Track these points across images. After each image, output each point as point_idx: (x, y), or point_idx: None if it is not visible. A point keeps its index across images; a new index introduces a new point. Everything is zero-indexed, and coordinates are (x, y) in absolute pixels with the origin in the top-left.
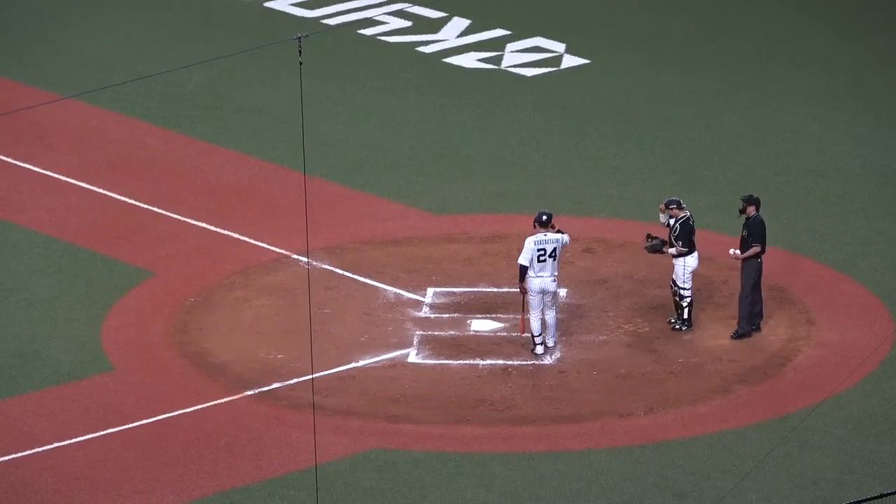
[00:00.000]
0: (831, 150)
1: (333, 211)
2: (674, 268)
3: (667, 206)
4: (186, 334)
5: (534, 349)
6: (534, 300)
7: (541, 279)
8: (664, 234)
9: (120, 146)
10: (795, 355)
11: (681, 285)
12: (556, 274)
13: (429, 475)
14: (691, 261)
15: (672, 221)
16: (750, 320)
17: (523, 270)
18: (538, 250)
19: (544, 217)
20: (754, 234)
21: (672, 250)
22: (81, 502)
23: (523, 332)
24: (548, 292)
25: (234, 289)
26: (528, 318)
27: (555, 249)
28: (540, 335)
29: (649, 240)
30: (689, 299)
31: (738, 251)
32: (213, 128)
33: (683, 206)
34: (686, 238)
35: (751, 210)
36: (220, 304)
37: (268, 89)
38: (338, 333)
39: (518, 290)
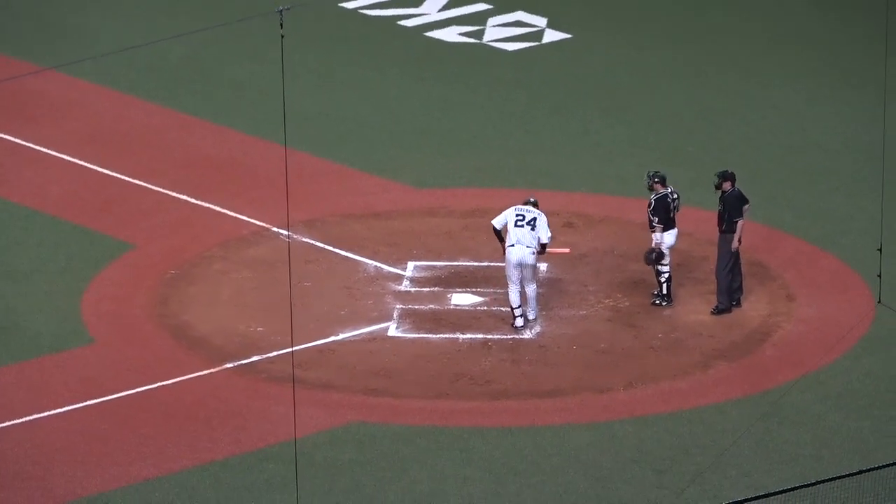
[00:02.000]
0: (812, 127)
1: (314, 184)
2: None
3: (650, 177)
4: (166, 307)
5: (513, 322)
6: (512, 274)
7: (518, 249)
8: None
9: (101, 118)
10: (775, 331)
11: (665, 239)
12: (535, 247)
13: (408, 449)
14: (669, 238)
15: (652, 196)
16: (729, 295)
17: (496, 233)
18: (517, 215)
19: (531, 199)
20: (731, 208)
21: (656, 235)
22: (60, 474)
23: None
24: (526, 265)
25: (215, 262)
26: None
27: (534, 220)
28: (519, 307)
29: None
30: (667, 275)
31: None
32: (195, 100)
33: (667, 184)
34: (662, 214)
35: (726, 186)
36: (201, 277)
37: (249, 62)
38: (318, 307)
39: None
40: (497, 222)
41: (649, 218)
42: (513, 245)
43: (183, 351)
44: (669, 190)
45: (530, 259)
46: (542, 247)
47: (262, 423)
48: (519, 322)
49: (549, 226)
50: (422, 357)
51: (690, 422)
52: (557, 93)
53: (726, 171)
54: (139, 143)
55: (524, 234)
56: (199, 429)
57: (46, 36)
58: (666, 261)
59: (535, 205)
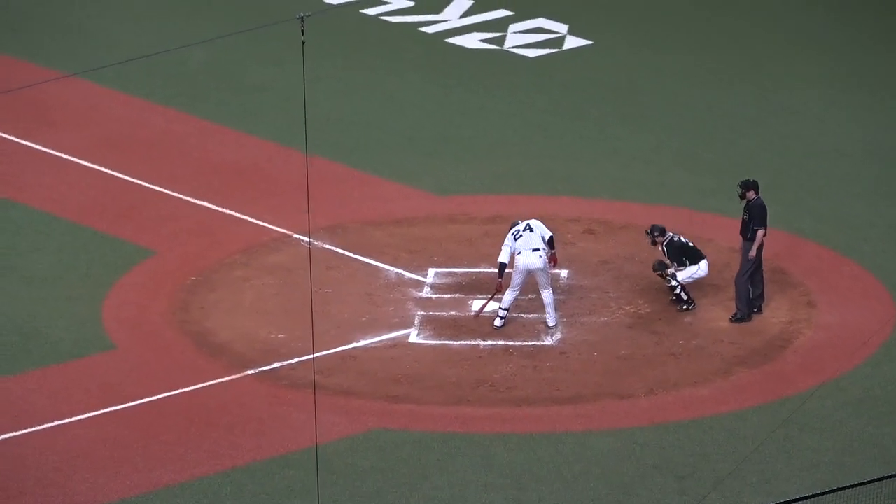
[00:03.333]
0: (833, 133)
1: (335, 191)
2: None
3: (651, 234)
4: (188, 313)
5: (494, 320)
6: (517, 278)
7: (525, 255)
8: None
9: (122, 124)
10: (796, 338)
11: (679, 278)
12: (543, 248)
13: (429, 455)
14: (700, 272)
15: (661, 248)
16: (749, 303)
17: (501, 267)
18: (513, 233)
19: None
20: (756, 217)
21: (671, 271)
22: (82, 480)
23: (477, 315)
24: (535, 270)
25: (236, 268)
26: (494, 301)
27: (528, 224)
28: (506, 310)
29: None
30: (674, 282)
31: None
32: (215, 107)
33: (667, 232)
34: (682, 253)
35: (751, 194)
36: (222, 284)
37: (270, 68)
38: (339, 313)
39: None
40: (504, 256)
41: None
42: (520, 253)
43: (204, 357)
44: (671, 235)
45: (539, 262)
46: (551, 243)
47: (284, 429)
48: (498, 323)
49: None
50: (443, 363)
51: (711, 428)
52: (578, 99)
53: (749, 179)
54: (160, 149)
55: (528, 240)
56: (221, 435)
57: (67, 42)
58: (671, 270)
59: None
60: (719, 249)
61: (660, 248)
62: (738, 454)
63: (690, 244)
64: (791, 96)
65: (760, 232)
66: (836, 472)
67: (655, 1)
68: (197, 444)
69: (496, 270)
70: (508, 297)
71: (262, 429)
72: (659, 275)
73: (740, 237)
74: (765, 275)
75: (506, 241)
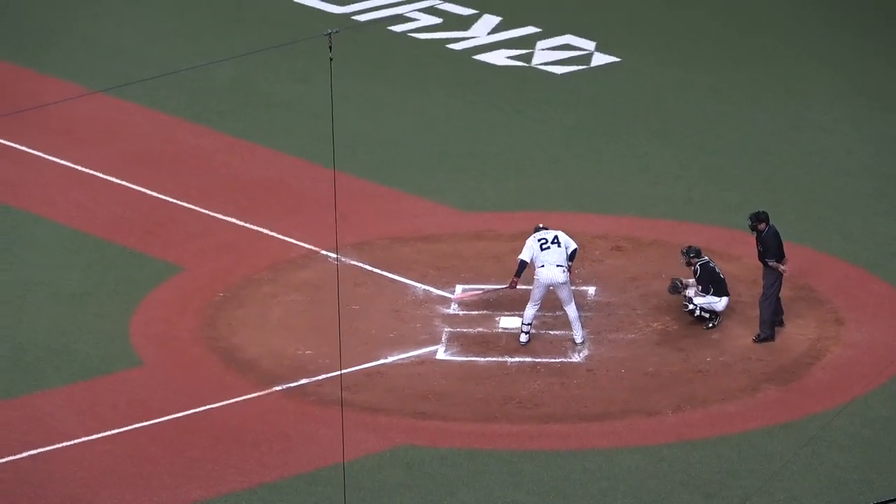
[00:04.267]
0: (861, 150)
1: (362, 207)
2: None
3: (686, 255)
4: (215, 329)
5: (520, 336)
6: (537, 291)
7: (547, 269)
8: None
9: (149, 141)
10: (824, 355)
11: (695, 301)
12: (566, 265)
13: (456, 472)
14: (718, 306)
15: (693, 268)
16: (772, 324)
17: (521, 265)
18: (539, 240)
19: (540, 225)
20: (769, 248)
21: (690, 291)
22: (109, 497)
23: (454, 301)
24: (558, 284)
25: (263, 284)
26: (481, 294)
27: (556, 237)
28: (530, 324)
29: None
30: (697, 308)
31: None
32: (243, 123)
33: (703, 255)
34: (710, 280)
35: (761, 226)
36: (249, 300)
37: (297, 85)
38: (366, 330)
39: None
40: (526, 255)
41: (697, 283)
42: (542, 266)
43: (231, 374)
44: (708, 259)
45: (561, 277)
46: (572, 256)
47: (311, 446)
48: (523, 338)
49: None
50: (470, 380)
51: (739, 445)
52: (606, 116)
53: (758, 212)
54: (187, 165)
55: (552, 254)
56: (248, 452)
57: (95, 59)
58: (690, 292)
59: (541, 227)
60: (747, 266)
61: (691, 269)
62: (765, 471)
63: (722, 276)
64: (819, 113)
65: (773, 264)
66: (864, 489)
67: (683, 18)
68: (224, 461)
69: (524, 287)
70: (529, 311)
71: (290, 445)
72: (675, 294)
73: (760, 262)
74: (791, 291)
75: (529, 243)
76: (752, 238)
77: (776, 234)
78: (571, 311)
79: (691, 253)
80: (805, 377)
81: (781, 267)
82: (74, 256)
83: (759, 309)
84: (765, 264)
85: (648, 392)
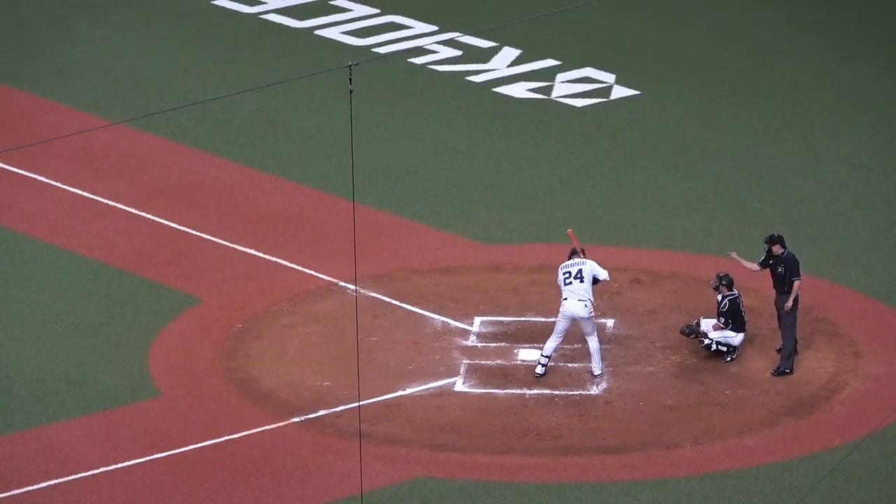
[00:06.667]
0: (881, 183)
1: (381, 239)
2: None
3: (718, 280)
4: (233, 361)
5: (535, 368)
6: (560, 324)
7: (570, 303)
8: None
9: (169, 172)
10: (842, 388)
11: (711, 336)
12: (589, 299)
13: None
14: (734, 341)
15: (720, 297)
16: (792, 357)
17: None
18: (563, 274)
19: (574, 248)
20: (792, 268)
21: (704, 325)
22: None
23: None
24: (580, 318)
25: (282, 316)
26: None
27: (580, 271)
28: (548, 357)
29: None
30: (713, 343)
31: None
32: (263, 154)
33: (734, 288)
34: (732, 316)
35: (777, 248)
36: (268, 331)
37: (317, 116)
38: (385, 361)
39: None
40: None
41: (718, 315)
42: (566, 299)
43: (249, 405)
44: (737, 294)
45: (583, 312)
46: (596, 282)
47: (329, 477)
48: (539, 370)
49: (601, 266)
50: (488, 412)
51: (757, 479)
52: (625, 148)
53: (773, 234)
54: (207, 197)
55: (574, 289)
56: (266, 483)
57: (117, 90)
58: (704, 326)
59: (582, 252)
60: (766, 299)
61: (718, 297)
62: None
63: (745, 314)
64: (838, 146)
65: (797, 283)
66: None
67: (702, 51)
68: (242, 492)
69: (543, 319)
70: (551, 343)
71: (307, 477)
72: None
73: (774, 291)
74: (810, 325)
75: (559, 271)
76: (768, 271)
77: (796, 258)
78: (593, 342)
79: (724, 280)
80: (823, 410)
81: (794, 291)
82: (93, 287)
83: (782, 339)
84: (779, 292)
85: (667, 425)
